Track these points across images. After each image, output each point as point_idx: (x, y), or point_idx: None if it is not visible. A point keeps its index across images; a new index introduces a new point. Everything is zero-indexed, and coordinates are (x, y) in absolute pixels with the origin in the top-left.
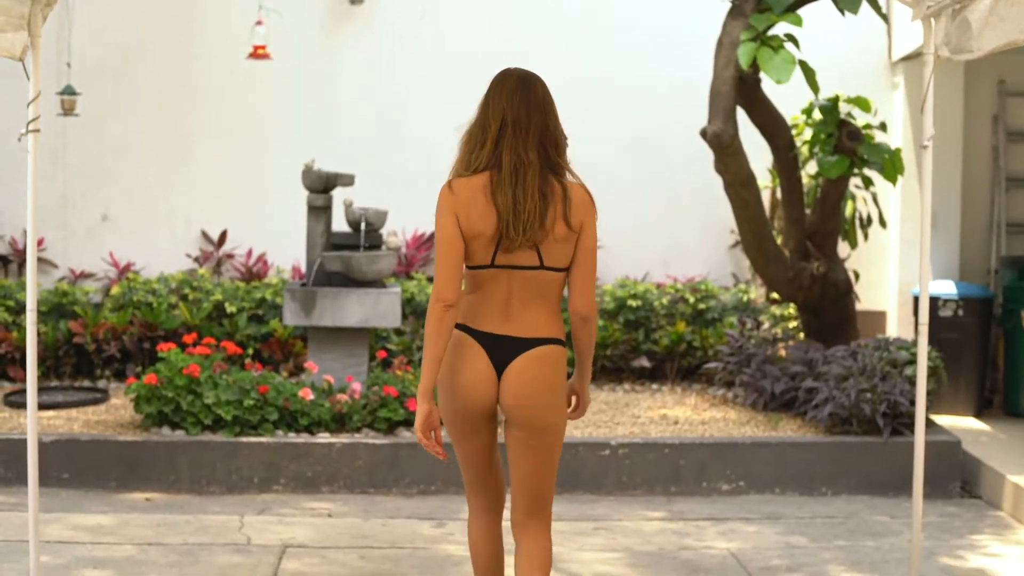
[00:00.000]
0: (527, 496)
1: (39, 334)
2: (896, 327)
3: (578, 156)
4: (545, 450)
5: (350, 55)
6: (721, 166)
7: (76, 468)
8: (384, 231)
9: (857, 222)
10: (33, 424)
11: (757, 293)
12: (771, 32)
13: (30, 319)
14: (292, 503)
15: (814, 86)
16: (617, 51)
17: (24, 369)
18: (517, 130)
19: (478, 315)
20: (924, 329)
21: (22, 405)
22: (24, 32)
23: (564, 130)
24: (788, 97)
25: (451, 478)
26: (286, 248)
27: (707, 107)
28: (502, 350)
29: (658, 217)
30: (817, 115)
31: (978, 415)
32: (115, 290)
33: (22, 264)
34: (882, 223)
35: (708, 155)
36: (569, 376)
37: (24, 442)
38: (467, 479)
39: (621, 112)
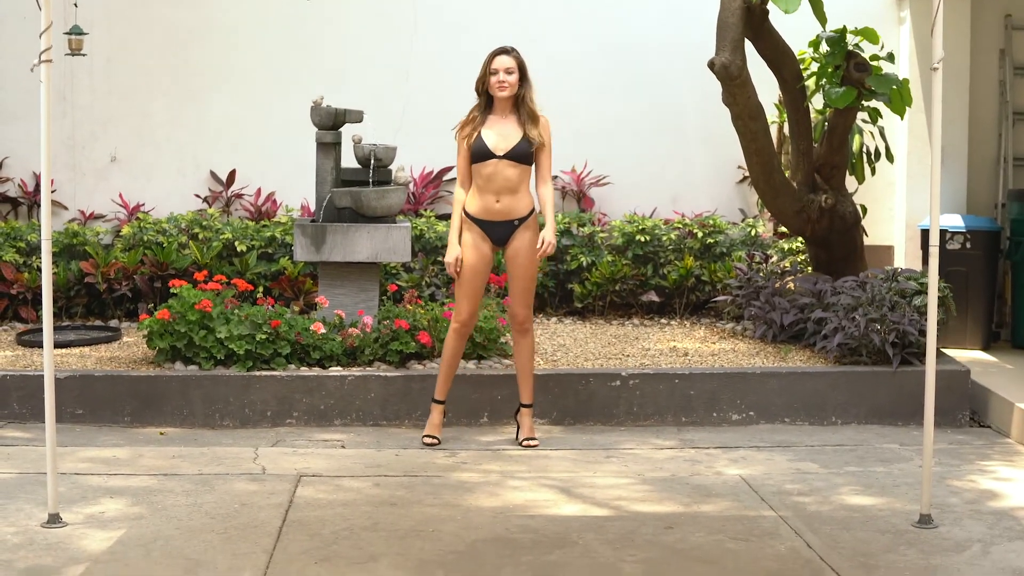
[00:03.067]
0: None
1: None
2: (904, 262)
3: (584, 92)
4: None
5: None
6: (729, 98)
7: (90, 404)
8: (393, 167)
9: (864, 156)
10: (49, 355)
11: (765, 228)
12: None
13: (45, 248)
14: (305, 435)
15: (821, 17)
16: None
17: (35, 310)
18: None
19: None
20: (935, 251)
21: (34, 344)
22: None
23: None
24: (795, 31)
25: (462, 410)
26: (295, 187)
27: (714, 40)
28: None
29: (666, 153)
30: (824, 47)
31: (985, 348)
32: (125, 231)
33: (31, 207)
34: (889, 157)
35: (716, 91)
36: None
37: (38, 379)
38: None
39: (627, 45)
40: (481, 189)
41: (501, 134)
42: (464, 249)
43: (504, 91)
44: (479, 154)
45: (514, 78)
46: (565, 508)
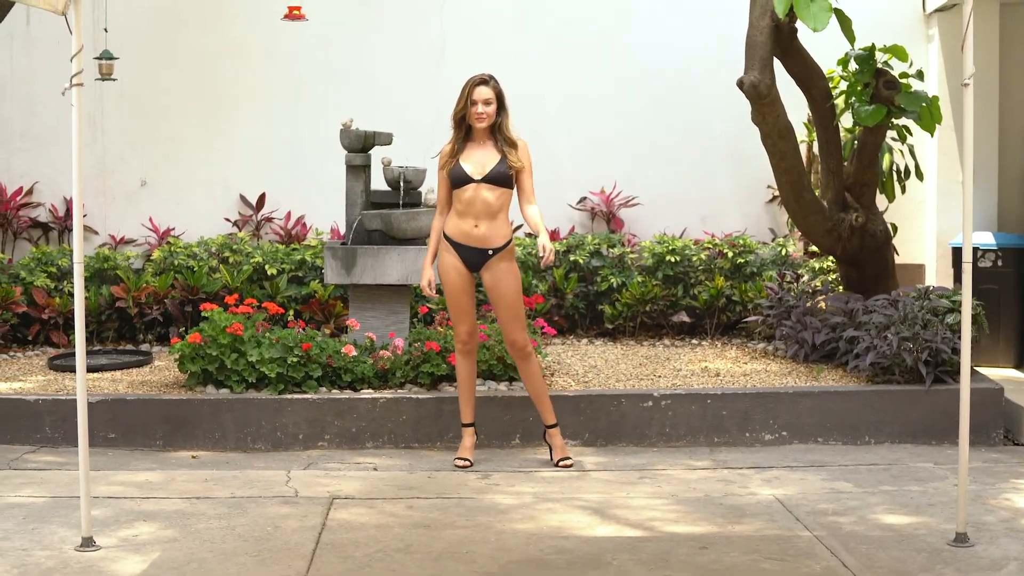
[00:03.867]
0: None
1: None
2: (935, 280)
3: (613, 113)
4: None
5: (384, 14)
6: (758, 117)
7: (122, 428)
8: (423, 189)
9: (894, 174)
10: (82, 379)
11: (795, 247)
12: None
13: (77, 272)
14: (337, 458)
15: (850, 35)
16: (652, 2)
17: (67, 334)
18: None
19: None
20: (968, 268)
21: (66, 368)
22: None
23: None
24: (824, 49)
25: (494, 432)
26: (325, 210)
27: (743, 59)
28: None
29: (695, 173)
30: (853, 65)
31: (1018, 366)
32: (156, 255)
33: (62, 232)
34: (919, 175)
35: (744, 110)
36: None
37: (70, 403)
38: None
39: (655, 66)
40: (460, 214)
41: (479, 160)
42: (445, 270)
43: (482, 122)
44: (458, 179)
45: (492, 108)
46: (599, 529)
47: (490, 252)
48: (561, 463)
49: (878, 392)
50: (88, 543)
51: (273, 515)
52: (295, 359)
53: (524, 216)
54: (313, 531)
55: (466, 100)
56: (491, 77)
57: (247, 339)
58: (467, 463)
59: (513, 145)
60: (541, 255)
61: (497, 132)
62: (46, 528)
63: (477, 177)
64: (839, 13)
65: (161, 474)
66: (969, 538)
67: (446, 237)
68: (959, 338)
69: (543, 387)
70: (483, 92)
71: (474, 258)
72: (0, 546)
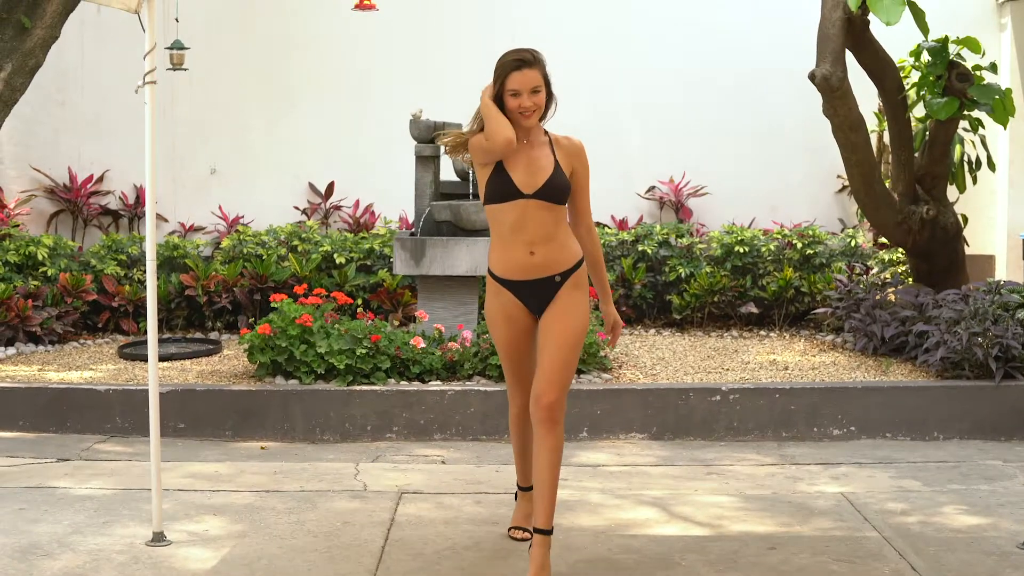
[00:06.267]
0: None
1: None
2: (1005, 270)
3: (682, 103)
4: None
5: (451, 6)
6: (830, 109)
7: (192, 418)
8: None
9: (966, 165)
10: (154, 376)
11: (865, 238)
12: None
13: (150, 268)
14: (405, 450)
15: (924, 27)
16: None
17: (137, 322)
18: None
19: None
20: None
21: (136, 357)
22: None
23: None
24: (896, 39)
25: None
26: (393, 198)
27: (814, 50)
28: None
29: (764, 163)
30: (926, 57)
31: None
32: (225, 243)
33: (132, 219)
34: (991, 166)
35: (814, 99)
36: None
37: (140, 393)
38: None
39: (726, 56)
40: (506, 241)
41: (527, 167)
42: (494, 321)
43: (530, 118)
44: (501, 193)
45: (541, 97)
46: (666, 528)
47: (557, 279)
48: None
49: (947, 388)
50: (159, 538)
51: (342, 510)
52: (364, 350)
53: (586, 246)
54: (382, 527)
55: (502, 87)
56: (534, 55)
57: (316, 330)
58: (526, 535)
59: (568, 144)
60: (608, 332)
61: (540, 126)
62: (117, 522)
63: (529, 191)
64: (912, 5)
65: (230, 466)
66: None
67: (492, 275)
68: None
69: (553, 476)
70: (530, 78)
71: (537, 294)
72: (72, 540)
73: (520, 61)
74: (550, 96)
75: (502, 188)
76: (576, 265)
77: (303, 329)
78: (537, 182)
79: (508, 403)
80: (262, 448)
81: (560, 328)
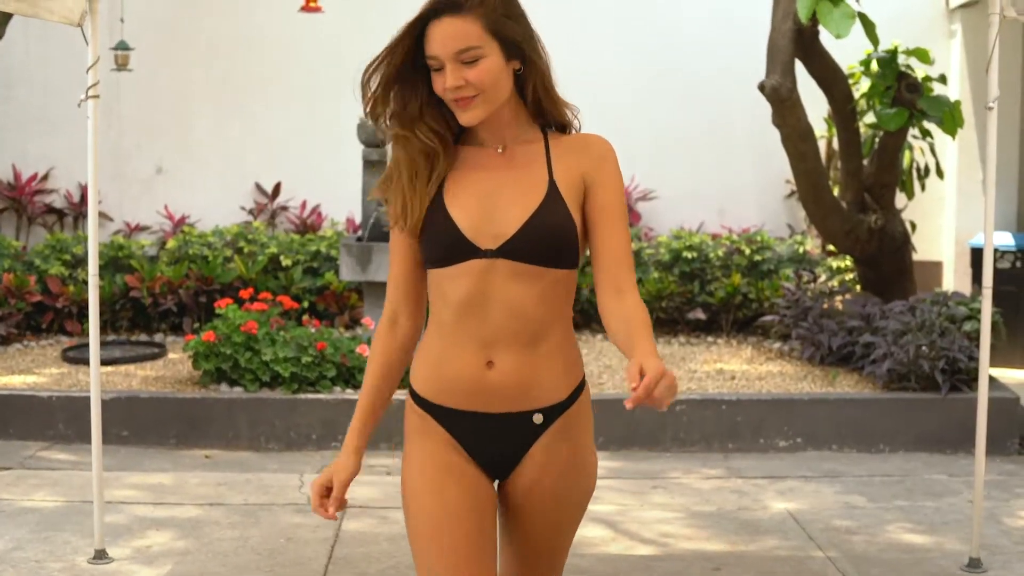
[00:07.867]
0: None
1: None
2: (952, 278)
3: (632, 106)
4: None
5: (402, 6)
6: (779, 119)
7: (136, 425)
8: None
9: (914, 172)
10: (96, 387)
11: (813, 244)
12: None
13: (92, 283)
14: None
15: (874, 39)
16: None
17: (81, 323)
18: None
19: None
20: (989, 282)
21: (80, 361)
22: None
23: None
24: (846, 47)
25: None
26: (340, 199)
27: (764, 56)
28: None
29: (713, 165)
30: (875, 67)
31: None
32: (170, 243)
33: (77, 217)
34: (939, 173)
35: (765, 104)
36: None
37: (84, 400)
38: None
39: (678, 61)
40: (447, 335)
41: (492, 196)
42: (414, 491)
43: (469, 111)
44: (441, 247)
45: (485, 68)
46: (613, 546)
47: (538, 418)
48: None
49: (894, 400)
50: (101, 555)
51: (286, 525)
52: (309, 358)
53: (624, 315)
54: (326, 543)
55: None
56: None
57: (261, 337)
58: None
59: (580, 148)
60: (632, 383)
61: (531, 120)
62: (59, 537)
63: (488, 244)
64: (863, 17)
65: (174, 476)
66: (983, 563)
67: (415, 396)
68: (976, 345)
69: None
70: (453, 33)
71: (498, 441)
72: (14, 556)
73: (438, 3)
74: (527, 64)
75: (442, 238)
76: (575, 393)
77: (248, 336)
78: (506, 228)
79: None
80: (206, 457)
81: (550, 505)
